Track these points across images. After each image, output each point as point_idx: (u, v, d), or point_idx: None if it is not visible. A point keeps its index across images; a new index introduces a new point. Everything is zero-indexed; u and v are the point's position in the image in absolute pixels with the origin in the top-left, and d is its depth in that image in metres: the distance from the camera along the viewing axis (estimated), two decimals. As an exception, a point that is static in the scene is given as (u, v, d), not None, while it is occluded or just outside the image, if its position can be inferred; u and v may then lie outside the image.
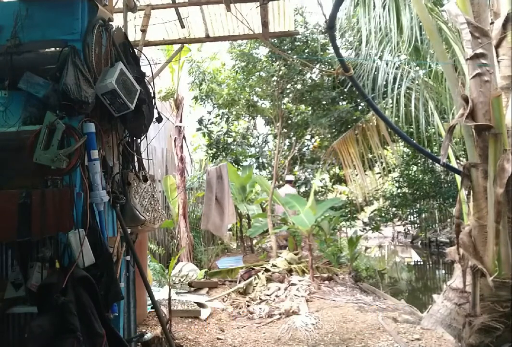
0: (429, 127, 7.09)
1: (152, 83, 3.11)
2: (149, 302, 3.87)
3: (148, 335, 3.03)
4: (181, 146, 7.40)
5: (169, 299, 4.10)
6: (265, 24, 4.34)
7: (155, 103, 2.85)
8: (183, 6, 4.23)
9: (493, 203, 3.40)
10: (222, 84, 9.28)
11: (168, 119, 6.28)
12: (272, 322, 4.62)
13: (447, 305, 3.95)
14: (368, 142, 8.51)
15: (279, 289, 5.72)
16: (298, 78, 8.80)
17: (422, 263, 12.06)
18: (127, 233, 2.57)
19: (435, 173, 10.17)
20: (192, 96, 9.74)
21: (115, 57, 2.55)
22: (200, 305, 4.93)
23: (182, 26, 4.40)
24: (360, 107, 9.38)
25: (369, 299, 5.43)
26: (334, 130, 9.64)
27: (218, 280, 6.42)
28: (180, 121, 7.43)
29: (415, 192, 10.28)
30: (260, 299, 5.47)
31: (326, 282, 6.28)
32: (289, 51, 8.27)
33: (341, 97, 9.54)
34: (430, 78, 6.25)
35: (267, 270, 6.40)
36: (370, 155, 8.91)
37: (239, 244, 10.37)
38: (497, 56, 3.82)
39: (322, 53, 8.52)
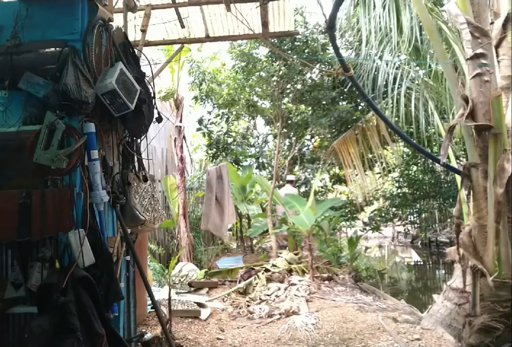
0: (429, 127, 7.09)
1: (152, 83, 3.11)
2: (149, 302, 3.87)
3: (148, 335, 3.03)
4: (181, 146, 7.40)
5: (169, 299, 4.10)
6: (265, 24, 4.34)
7: (155, 103, 2.85)
8: (183, 6, 4.23)
9: (493, 203, 3.40)
10: (222, 84, 9.28)
11: (168, 119, 6.28)
12: (272, 322, 4.62)
13: (447, 305, 3.95)
14: (368, 142, 8.51)
15: (279, 289, 5.71)
16: (298, 78, 8.80)
17: (422, 263, 12.05)
18: (127, 233, 2.57)
19: (435, 173, 10.16)
20: (192, 96, 9.73)
21: (115, 57, 2.55)
22: (200, 305, 4.93)
23: (182, 26, 4.40)
24: (360, 107, 9.38)
25: (369, 299, 5.43)
26: (334, 130, 9.64)
27: (218, 280, 6.42)
28: (180, 121, 7.43)
29: (415, 192, 10.27)
30: (260, 299, 5.47)
31: (326, 282, 6.28)
32: (289, 51, 8.27)
33: (341, 97, 9.54)
34: (430, 78, 6.24)
35: (267, 270, 6.40)
36: (370, 155, 8.92)
37: (239, 244, 10.37)
38: (497, 56, 3.82)
39: (322, 53, 8.52)
